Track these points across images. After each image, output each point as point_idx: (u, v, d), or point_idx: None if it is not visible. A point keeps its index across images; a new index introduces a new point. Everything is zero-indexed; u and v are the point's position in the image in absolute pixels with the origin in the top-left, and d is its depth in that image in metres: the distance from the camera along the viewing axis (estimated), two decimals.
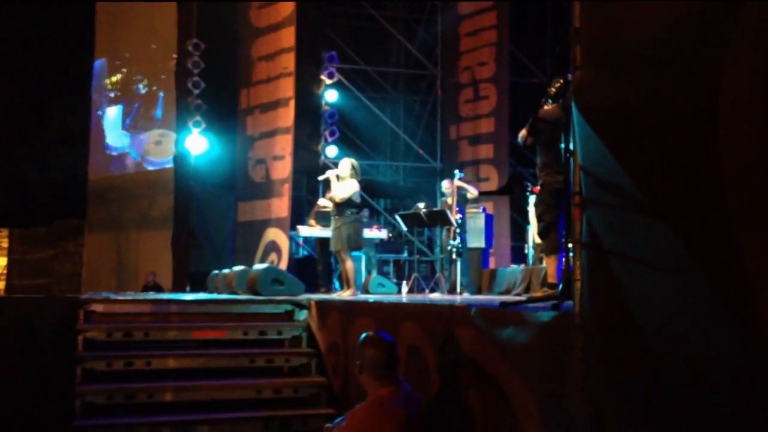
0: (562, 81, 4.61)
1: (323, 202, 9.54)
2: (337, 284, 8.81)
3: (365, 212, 10.97)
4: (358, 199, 7.52)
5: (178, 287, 10.87)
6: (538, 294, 4.80)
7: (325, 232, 9.34)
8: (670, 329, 2.33)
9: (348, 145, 13.06)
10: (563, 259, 4.00)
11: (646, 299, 2.45)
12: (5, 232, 15.59)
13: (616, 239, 2.64)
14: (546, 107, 4.84)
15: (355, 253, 8.13)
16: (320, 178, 8.37)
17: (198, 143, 11.35)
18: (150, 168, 13.27)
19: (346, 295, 7.26)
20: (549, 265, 4.92)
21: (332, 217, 7.65)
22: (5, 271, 15.43)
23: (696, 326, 2.22)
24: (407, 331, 4.34)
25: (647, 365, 2.43)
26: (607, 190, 2.70)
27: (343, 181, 7.50)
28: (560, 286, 3.84)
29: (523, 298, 5.39)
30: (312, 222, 9.94)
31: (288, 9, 10.78)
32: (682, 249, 2.26)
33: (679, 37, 2.31)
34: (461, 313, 3.86)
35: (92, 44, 14.13)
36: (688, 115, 2.24)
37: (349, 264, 7.44)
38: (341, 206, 7.45)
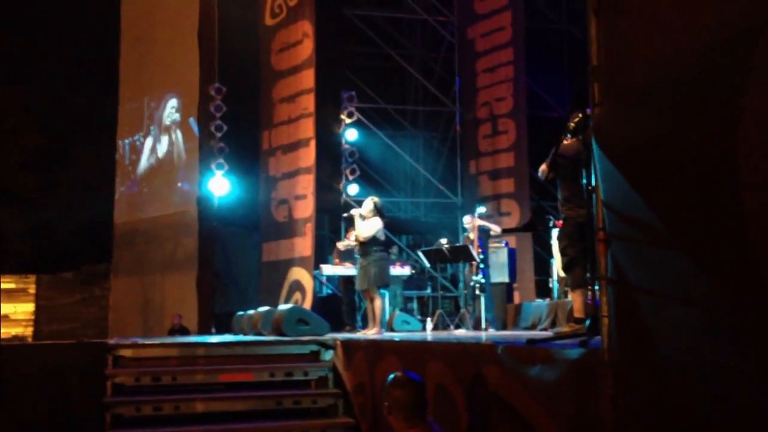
0: (580, 116, 4.62)
1: (343, 244, 9.57)
2: (360, 322, 8.79)
3: (394, 249, 10.98)
4: (382, 237, 7.52)
5: (203, 329, 10.90)
6: (566, 329, 4.77)
7: (349, 271, 9.36)
8: (698, 364, 2.31)
9: (369, 183, 13.13)
10: (589, 294, 3.98)
11: (673, 334, 2.43)
12: (32, 278, 15.74)
13: (641, 274, 2.63)
14: (566, 142, 4.86)
15: (381, 291, 8.14)
16: (344, 215, 8.40)
17: (221, 185, 11.49)
18: (177, 210, 13.38)
19: (371, 333, 7.25)
20: (575, 299, 4.89)
21: (357, 256, 7.65)
22: (33, 317, 15.56)
23: (723, 360, 2.20)
24: (434, 370, 4.32)
25: (676, 401, 2.40)
26: (630, 226, 2.70)
27: (366, 220, 7.52)
28: (587, 321, 3.82)
29: (549, 333, 5.35)
30: (336, 261, 9.98)
31: (307, 52, 10.98)
32: (707, 283, 2.25)
33: (697, 70, 2.32)
34: (488, 351, 3.85)
35: (116, 90, 14.41)
36: (708, 148, 2.25)
37: (378, 302, 7.41)
38: (366, 245, 7.44)
